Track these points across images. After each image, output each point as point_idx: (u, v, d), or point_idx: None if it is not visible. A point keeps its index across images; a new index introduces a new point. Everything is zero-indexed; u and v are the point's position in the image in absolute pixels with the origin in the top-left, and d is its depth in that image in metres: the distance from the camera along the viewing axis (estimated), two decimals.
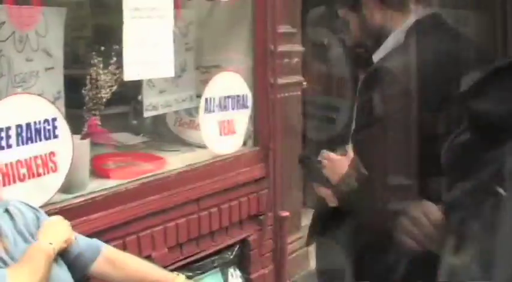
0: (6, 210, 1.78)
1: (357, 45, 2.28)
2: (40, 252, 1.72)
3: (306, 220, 3.76)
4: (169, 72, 2.83)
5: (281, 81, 3.53)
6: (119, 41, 2.60)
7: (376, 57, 1.68)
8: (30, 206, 1.89)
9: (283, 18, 3.51)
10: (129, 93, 3.23)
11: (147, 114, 3.08)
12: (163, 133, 3.57)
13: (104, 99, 2.52)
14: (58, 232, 1.85)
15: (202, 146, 3.33)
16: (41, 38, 2.56)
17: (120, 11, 2.61)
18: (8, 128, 2.17)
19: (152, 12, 2.73)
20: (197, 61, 3.42)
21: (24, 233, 1.78)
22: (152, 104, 3.07)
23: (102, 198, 2.50)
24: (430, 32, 1.61)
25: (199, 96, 3.40)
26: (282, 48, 3.52)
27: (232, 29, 3.44)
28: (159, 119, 3.48)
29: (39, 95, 2.38)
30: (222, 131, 3.18)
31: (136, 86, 3.07)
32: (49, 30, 2.58)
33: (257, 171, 3.39)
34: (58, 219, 1.96)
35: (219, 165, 3.15)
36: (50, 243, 1.77)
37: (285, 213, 3.47)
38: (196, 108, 3.44)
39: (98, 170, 2.73)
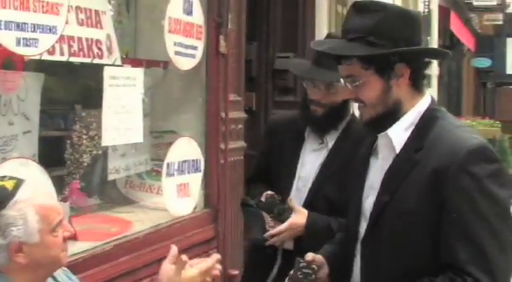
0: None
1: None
2: None
3: None
4: (139, 138, 2.97)
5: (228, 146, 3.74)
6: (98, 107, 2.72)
7: (395, 133, 1.85)
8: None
9: (230, 87, 3.75)
10: None
11: (111, 177, 3.17)
12: (111, 195, 3.64)
13: (85, 164, 2.61)
14: None
15: (154, 208, 3.46)
16: (21, 102, 2.64)
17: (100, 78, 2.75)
18: None
19: (126, 81, 2.88)
20: (150, 126, 3.56)
21: None
22: (115, 167, 3.17)
23: (81, 260, 2.55)
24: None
25: (152, 159, 3.55)
26: (230, 115, 3.74)
27: (184, 96, 3.64)
28: (108, 181, 3.56)
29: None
30: (179, 193, 3.32)
31: None
32: (28, 94, 2.67)
33: (208, 232, 3.54)
34: (188, 274, 1.91)
35: (177, 226, 3.27)
36: None
37: (235, 272, 3.63)
38: (147, 172, 3.58)
39: None
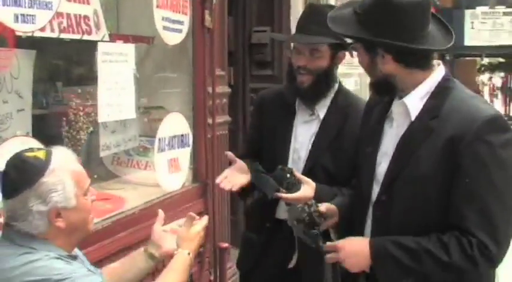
0: None
1: None
2: (183, 264, 1.99)
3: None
4: (132, 114, 2.97)
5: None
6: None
7: (411, 101, 1.92)
8: None
9: (215, 61, 3.75)
10: None
11: (102, 154, 3.15)
12: (99, 172, 3.62)
13: (82, 141, 2.59)
14: (194, 241, 2.10)
15: (142, 184, 3.47)
16: (14, 80, 2.60)
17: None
18: None
19: (119, 57, 2.87)
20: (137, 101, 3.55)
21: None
22: (106, 144, 3.15)
23: None
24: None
25: (139, 135, 3.54)
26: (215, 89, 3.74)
27: (170, 71, 3.63)
28: (95, 158, 3.54)
29: None
30: (170, 168, 3.33)
31: None
32: (21, 72, 2.63)
33: (198, 206, 3.57)
34: (194, 229, 2.14)
35: (168, 201, 3.28)
36: (189, 253, 2.03)
37: (225, 245, 3.67)
38: (134, 148, 3.57)
39: None
